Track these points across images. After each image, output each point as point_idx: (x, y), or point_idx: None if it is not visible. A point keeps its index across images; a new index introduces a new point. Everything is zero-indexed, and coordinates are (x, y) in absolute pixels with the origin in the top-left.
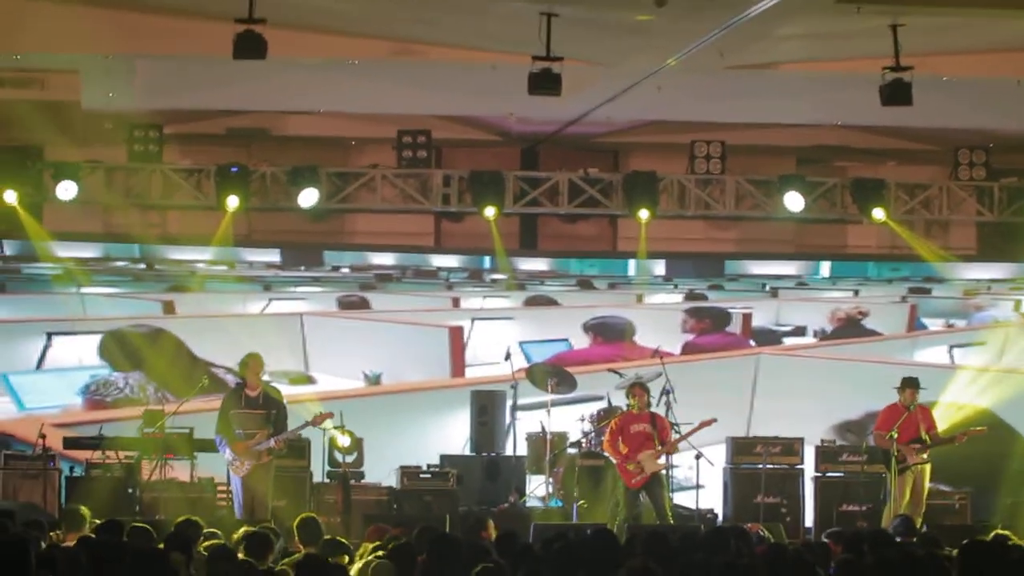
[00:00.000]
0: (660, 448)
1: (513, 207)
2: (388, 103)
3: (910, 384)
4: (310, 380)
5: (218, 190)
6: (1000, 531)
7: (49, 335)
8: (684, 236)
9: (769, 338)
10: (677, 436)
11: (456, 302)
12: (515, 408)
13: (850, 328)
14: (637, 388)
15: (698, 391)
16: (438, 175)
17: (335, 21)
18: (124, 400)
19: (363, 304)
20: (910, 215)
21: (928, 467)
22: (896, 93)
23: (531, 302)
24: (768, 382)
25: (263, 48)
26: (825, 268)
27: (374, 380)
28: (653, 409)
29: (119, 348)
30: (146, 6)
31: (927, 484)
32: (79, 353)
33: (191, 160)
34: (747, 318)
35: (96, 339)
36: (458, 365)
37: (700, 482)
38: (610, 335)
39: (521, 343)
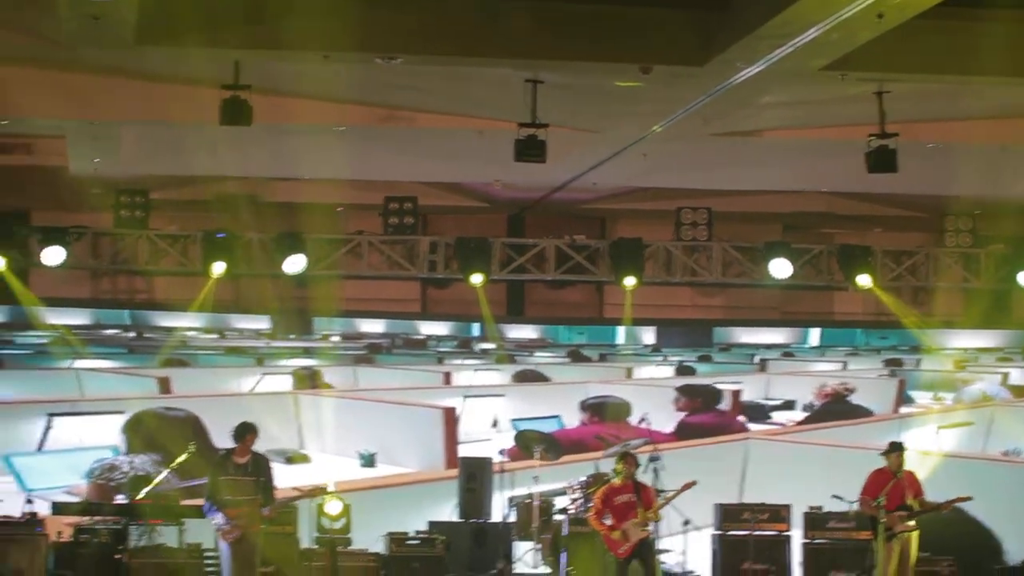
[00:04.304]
0: (644, 515)
1: (500, 274)
2: (375, 170)
3: (897, 448)
4: (306, 459)
5: (204, 256)
6: None
7: (50, 416)
8: (671, 303)
9: (758, 412)
10: (662, 500)
11: (448, 377)
12: (512, 500)
13: (837, 404)
14: (629, 457)
15: (688, 475)
16: (424, 242)
17: (322, 88)
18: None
19: (318, 376)
20: (896, 282)
21: (916, 534)
22: (881, 160)
23: (521, 377)
24: (758, 466)
25: (249, 114)
26: (814, 336)
27: (368, 459)
28: (640, 477)
29: (143, 430)
30: (132, 73)
31: (915, 551)
32: (79, 433)
33: (177, 226)
34: (736, 395)
35: (95, 419)
36: (451, 446)
37: (687, 553)
38: (607, 415)
39: (513, 420)
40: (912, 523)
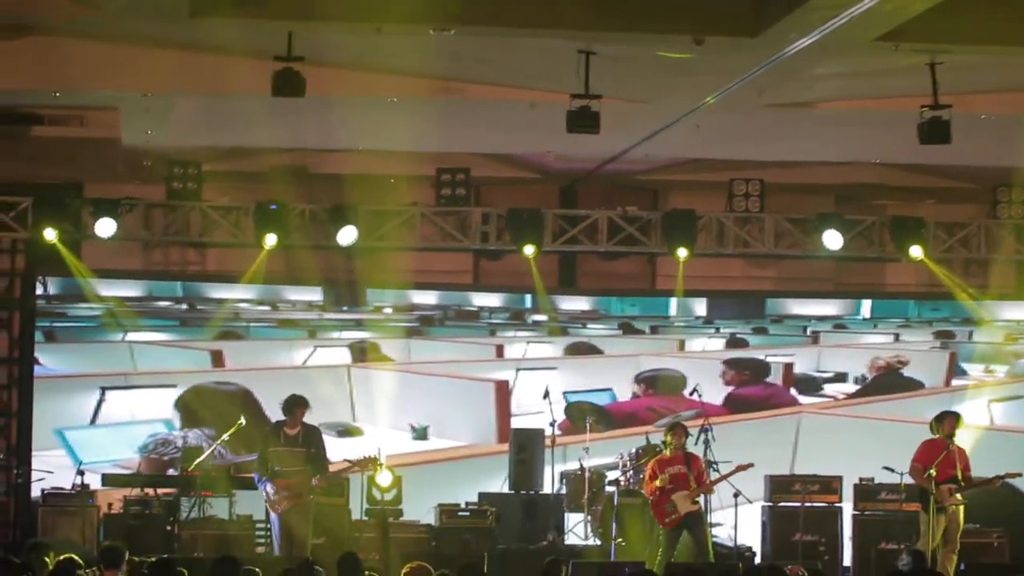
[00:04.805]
0: (695, 488)
1: (552, 245)
2: (427, 141)
3: (951, 414)
4: (359, 432)
5: (256, 227)
6: None
7: (103, 390)
8: (723, 274)
9: (810, 385)
10: (715, 475)
11: (500, 350)
12: (563, 474)
13: (890, 377)
14: (679, 428)
15: (740, 448)
16: (476, 213)
17: (374, 59)
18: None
19: (374, 349)
20: (948, 253)
21: (963, 508)
22: (934, 131)
23: (573, 349)
24: (809, 439)
25: (302, 86)
26: (866, 307)
27: (421, 432)
28: (691, 448)
29: (196, 405)
30: (185, 44)
31: (962, 524)
32: (131, 407)
33: (230, 198)
34: (788, 368)
35: (148, 393)
36: (504, 419)
37: (738, 525)
38: (662, 388)
39: (565, 392)
40: (960, 496)
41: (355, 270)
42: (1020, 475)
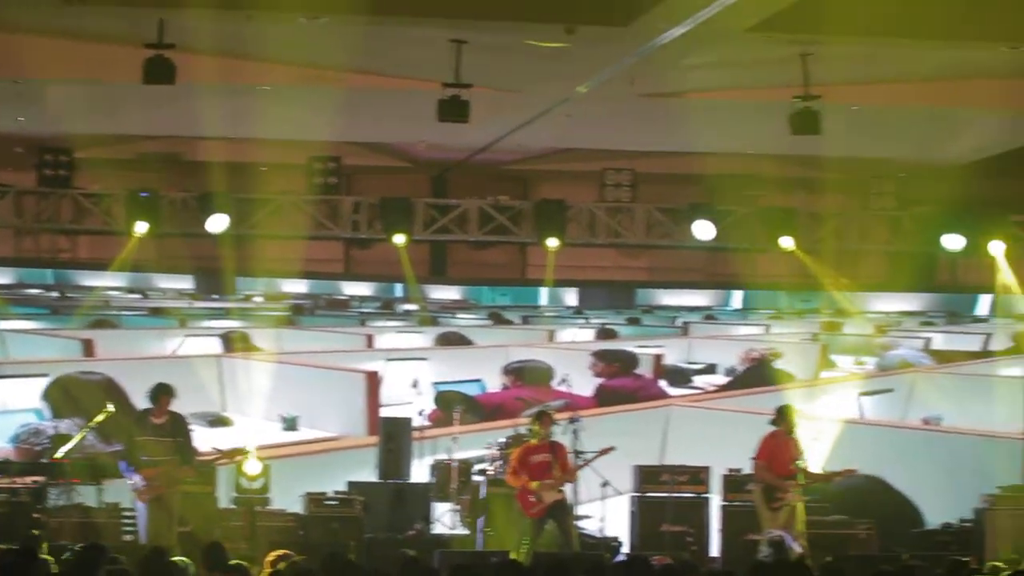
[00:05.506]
0: (559, 476)
1: (423, 234)
2: (299, 129)
3: (792, 408)
4: (229, 422)
5: (128, 215)
6: (909, 561)
7: None
8: (594, 264)
9: (680, 376)
10: (580, 463)
11: (370, 340)
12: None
13: (760, 369)
14: (545, 416)
15: (609, 439)
16: (347, 201)
17: (246, 47)
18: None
19: (244, 339)
20: (819, 244)
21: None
22: (805, 122)
23: (443, 340)
24: (679, 431)
25: (172, 73)
26: (737, 298)
27: (290, 423)
28: (559, 437)
29: (64, 395)
30: (55, 31)
31: (803, 517)
32: (2, 397)
33: (101, 185)
34: (658, 359)
35: (19, 383)
36: (373, 410)
37: (606, 516)
38: (529, 379)
39: (435, 383)
40: (801, 491)
41: (226, 258)
42: (855, 471)
